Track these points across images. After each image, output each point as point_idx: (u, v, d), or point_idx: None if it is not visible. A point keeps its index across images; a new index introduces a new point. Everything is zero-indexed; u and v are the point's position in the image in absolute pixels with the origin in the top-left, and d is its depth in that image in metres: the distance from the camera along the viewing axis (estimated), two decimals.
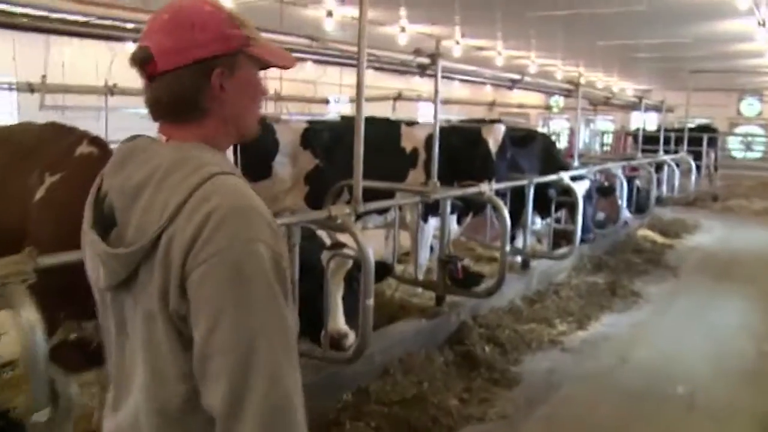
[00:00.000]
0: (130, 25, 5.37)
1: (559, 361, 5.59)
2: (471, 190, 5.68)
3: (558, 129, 27.37)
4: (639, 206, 11.17)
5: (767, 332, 6.52)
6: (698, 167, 16.36)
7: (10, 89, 11.00)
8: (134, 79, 1.52)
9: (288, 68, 1.58)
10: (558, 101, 26.10)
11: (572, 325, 6.52)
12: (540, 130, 26.82)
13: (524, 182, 6.75)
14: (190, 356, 1.34)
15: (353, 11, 11.97)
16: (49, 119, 3.68)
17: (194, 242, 1.31)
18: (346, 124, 7.34)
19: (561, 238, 8.13)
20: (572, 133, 27.18)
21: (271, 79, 15.46)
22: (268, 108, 15.99)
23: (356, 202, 4.22)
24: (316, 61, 5.87)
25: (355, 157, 4.30)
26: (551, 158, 8.31)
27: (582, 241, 8.03)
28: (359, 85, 4.09)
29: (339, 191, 6.51)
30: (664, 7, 10.70)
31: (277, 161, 6.80)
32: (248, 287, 1.31)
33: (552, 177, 7.28)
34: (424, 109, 24.99)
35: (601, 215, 10.05)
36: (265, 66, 1.56)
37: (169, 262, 1.33)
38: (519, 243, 7.49)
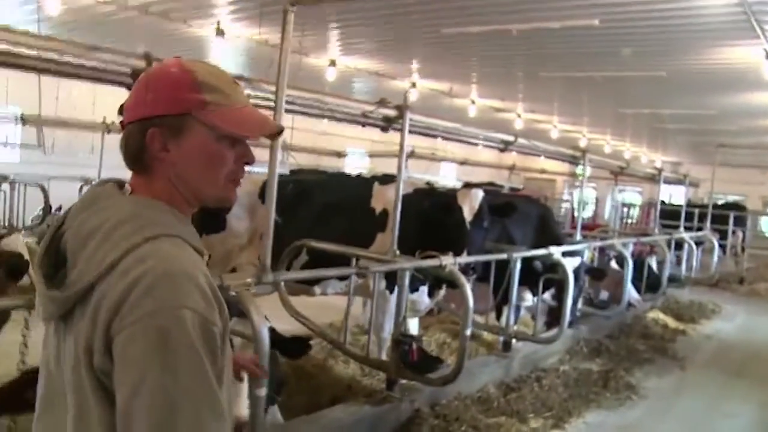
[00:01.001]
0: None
1: None
2: (430, 262, 4.95)
3: (584, 198, 26.54)
4: (650, 286, 10.28)
5: None
6: (723, 246, 15.43)
7: None
8: None
9: (252, 137, 1.59)
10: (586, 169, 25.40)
11: (548, 421, 5.64)
12: (565, 197, 26.42)
13: (501, 256, 6.00)
14: (114, 410, 1.34)
15: (357, 62, 11.59)
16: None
17: (122, 304, 1.34)
18: (313, 179, 6.73)
19: (557, 317, 7.32)
20: (598, 203, 26.55)
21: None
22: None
23: (263, 270, 3.52)
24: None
25: (268, 215, 3.61)
26: (546, 230, 7.56)
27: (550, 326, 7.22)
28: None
29: (297, 251, 5.85)
30: (686, 75, 10.05)
31: (233, 214, 6.16)
32: (173, 353, 1.32)
33: (540, 251, 6.52)
34: (446, 169, 24.56)
35: (604, 295, 9.23)
36: (227, 134, 1.54)
37: (96, 319, 1.36)
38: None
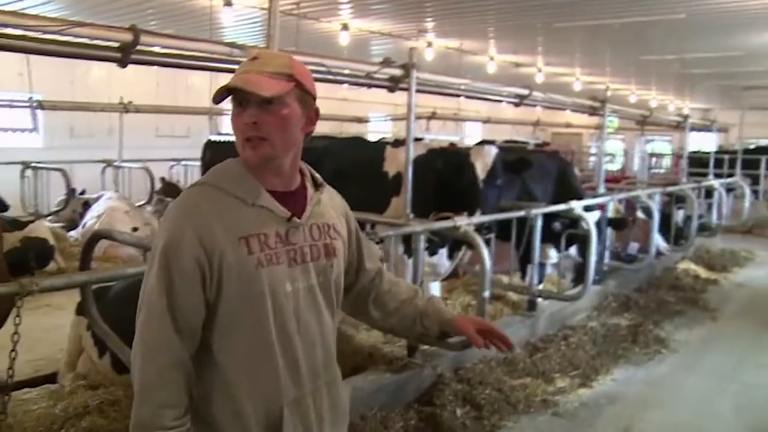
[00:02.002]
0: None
1: (545, 429, 4.66)
2: (443, 224, 4.84)
3: (612, 150, 26.02)
4: (678, 236, 10.07)
5: None
6: (756, 192, 15.07)
7: (11, 106, 10.74)
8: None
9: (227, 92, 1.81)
10: (613, 121, 24.92)
11: (575, 380, 5.55)
12: (592, 150, 25.98)
13: (520, 213, 5.86)
14: None
15: (370, 24, 11.37)
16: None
17: None
18: (325, 144, 6.62)
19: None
20: (626, 155, 26.07)
21: None
22: None
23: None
24: None
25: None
26: (566, 184, 7.39)
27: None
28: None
29: None
30: (705, 15, 9.67)
31: None
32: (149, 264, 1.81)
33: (560, 207, 6.37)
34: (471, 129, 24.27)
35: (633, 247, 9.06)
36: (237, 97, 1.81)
37: None
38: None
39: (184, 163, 12.30)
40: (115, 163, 11.46)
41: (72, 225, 9.86)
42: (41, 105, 10.57)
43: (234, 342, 1.82)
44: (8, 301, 2.90)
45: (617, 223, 7.97)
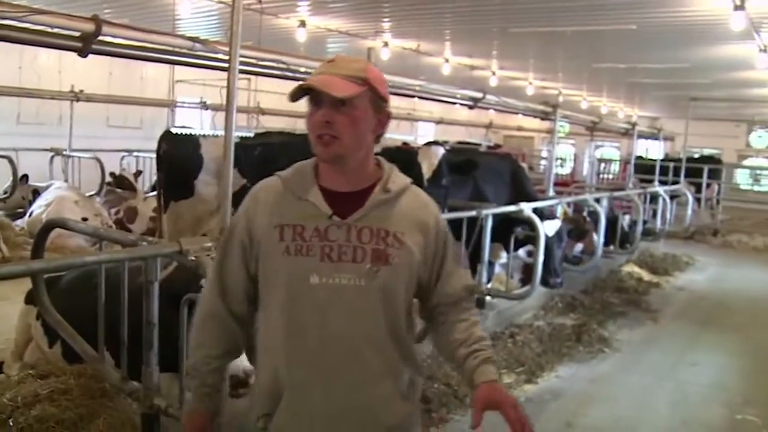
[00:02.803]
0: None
1: (491, 422, 4.77)
2: None
3: (562, 154, 26.54)
4: (623, 240, 10.37)
5: (745, 395, 5.68)
6: (698, 199, 15.59)
7: None
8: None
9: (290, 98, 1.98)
10: (564, 126, 25.43)
11: (521, 376, 5.73)
12: (543, 154, 26.44)
13: (470, 213, 5.99)
14: None
15: (328, 22, 11.41)
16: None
17: None
18: (282, 140, 6.65)
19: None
20: (576, 159, 26.63)
21: (253, 91, 14.90)
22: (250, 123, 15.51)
23: (222, 233, 3.49)
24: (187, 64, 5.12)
25: (224, 179, 3.57)
26: (518, 186, 7.57)
27: (546, 284, 7.28)
28: (229, 92, 3.36)
29: None
30: (655, 27, 9.97)
31: (200, 179, 6.09)
32: None
33: (510, 208, 6.53)
34: (424, 129, 24.47)
35: (578, 248, 9.29)
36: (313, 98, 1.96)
37: None
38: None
39: (135, 154, 12.14)
40: (65, 152, 11.25)
41: (18, 214, 9.65)
42: None
43: (262, 316, 2.09)
44: None
45: (579, 233, 8.19)
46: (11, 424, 3.33)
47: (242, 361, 3.53)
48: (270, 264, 2.01)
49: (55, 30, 3.68)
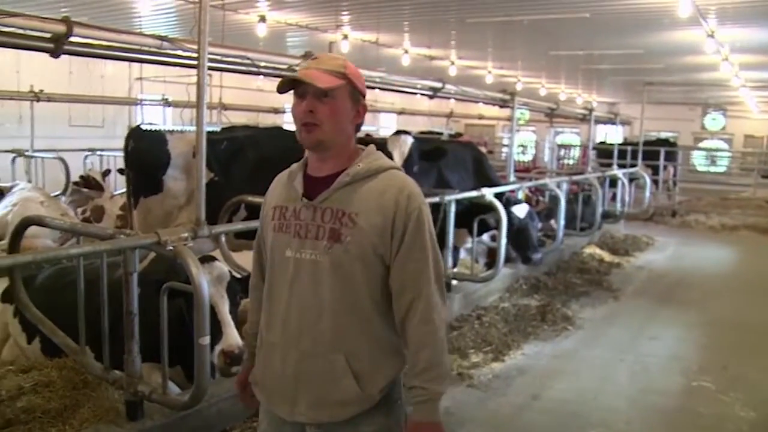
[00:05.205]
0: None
1: (461, 399, 4.99)
2: None
3: (523, 141, 26.90)
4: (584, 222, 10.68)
5: (699, 365, 5.97)
6: (656, 182, 16.00)
7: None
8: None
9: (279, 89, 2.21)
10: (524, 113, 25.77)
11: (488, 355, 5.94)
12: (505, 141, 26.79)
13: (434, 200, 6.18)
14: None
15: (287, 16, 11.49)
16: None
17: None
18: (247, 134, 6.75)
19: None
20: (537, 146, 27.01)
21: (216, 87, 14.89)
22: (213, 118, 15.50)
23: (198, 224, 3.62)
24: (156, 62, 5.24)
25: (198, 172, 3.69)
26: (480, 172, 7.79)
27: (529, 261, 7.63)
28: (199, 88, 3.49)
29: (236, 207, 5.93)
30: (609, 15, 10.26)
31: (168, 175, 6.16)
32: None
33: (472, 193, 6.74)
34: (386, 120, 24.63)
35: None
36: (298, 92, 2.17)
37: None
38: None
39: (99, 153, 12.08)
40: (27, 153, 11.17)
41: None
42: None
43: None
44: None
45: (548, 213, 8.52)
46: None
47: (236, 338, 3.70)
48: (267, 239, 2.30)
49: (27, 32, 3.77)
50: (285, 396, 2.22)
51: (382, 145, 5.91)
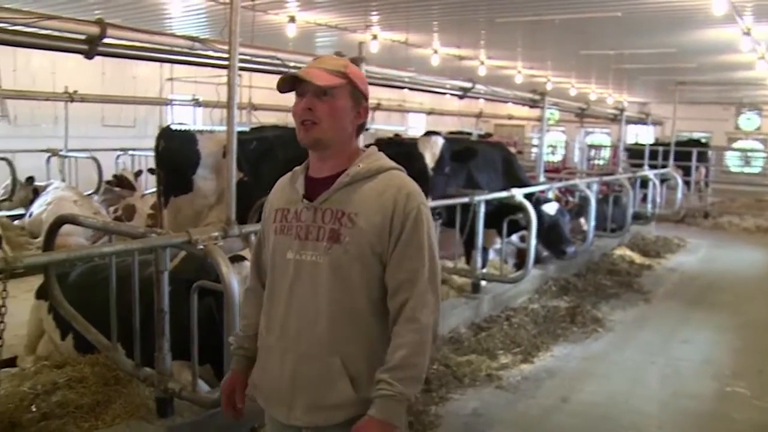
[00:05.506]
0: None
1: (490, 401, 4.97)
2: None
3: (553, 142, 26.70)
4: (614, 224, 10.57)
5: (733, 369, 5.87)
6: (687, 183, 15.79)
7: None
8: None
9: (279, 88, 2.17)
10: (554, 113, 25.57)
11: (517, 356, 5.90)
12: (534, 142, 26.61)
13: (463, 200, 6.16)
14: None
15: (317, 17, 11.54)
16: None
17: None
18: (276, 134, 6.80)
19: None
20: (567, 146, 26.79)
21: (246, 87, 14.99)
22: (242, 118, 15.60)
23: (228, 223, 3.65)
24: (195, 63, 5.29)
25: (228, 171, 3.72)
26: (510, 173, 7.75)
27: (563, 254, 7.65)
28: (230, 88, 3.52)
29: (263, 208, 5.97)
30: (641, 14, 10.14)
31: (199, 174, 6.25)
32: None
33: (502, 194, 6.70)
34: (414, 120, 24.61)
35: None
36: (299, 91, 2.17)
37: None
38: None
39: (131, 152, 12.25)
40: (61, 153, 11.36)
41: (18, 214, 9.77)
42: None
43: None
44: None
45: (578, 211, 8.48)
46: (34, 409, 3.48)
47: None
48: (269, 241, 2.29)
49: (63, 34, 3.85)
50: (282, 399, 2.21)
51: (412, 145, 5.90)
